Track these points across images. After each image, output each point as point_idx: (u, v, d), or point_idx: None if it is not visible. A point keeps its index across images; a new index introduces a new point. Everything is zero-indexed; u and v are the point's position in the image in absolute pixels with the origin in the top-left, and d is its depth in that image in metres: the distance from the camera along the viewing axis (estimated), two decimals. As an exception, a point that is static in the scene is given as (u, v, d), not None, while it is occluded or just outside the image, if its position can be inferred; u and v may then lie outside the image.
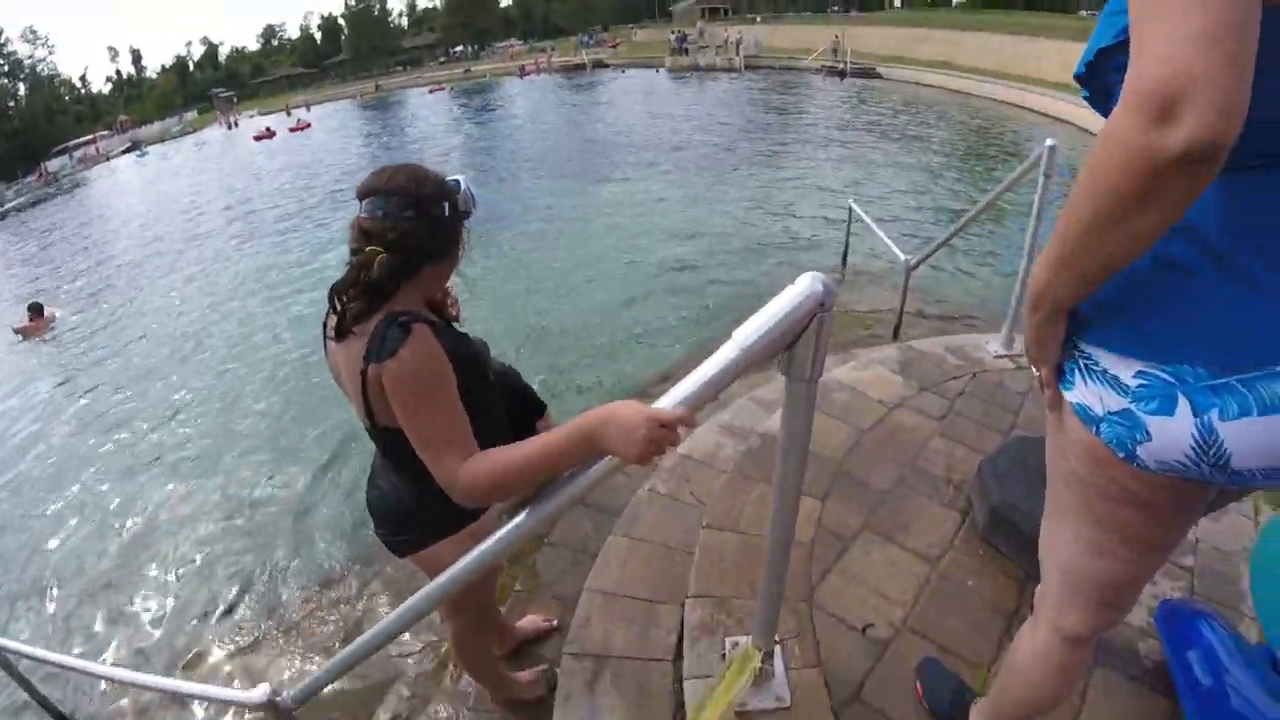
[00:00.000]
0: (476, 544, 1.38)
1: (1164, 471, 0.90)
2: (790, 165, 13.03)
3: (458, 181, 1.52)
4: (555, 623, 2.59)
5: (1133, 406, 0.88)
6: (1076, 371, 0.96)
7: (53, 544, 4.57)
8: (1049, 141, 3.16)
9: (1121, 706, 1.80)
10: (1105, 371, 0.92)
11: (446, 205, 1.46)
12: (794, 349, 0.96)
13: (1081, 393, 0.95)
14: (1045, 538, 1.24)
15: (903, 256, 4.36)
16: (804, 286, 0.93)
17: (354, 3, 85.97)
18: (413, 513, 1.62)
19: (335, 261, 9.84)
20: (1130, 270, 0.82)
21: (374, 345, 1.33)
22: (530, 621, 2.59)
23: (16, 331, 9.69)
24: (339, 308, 1.40)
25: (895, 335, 4.52)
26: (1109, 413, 0.92)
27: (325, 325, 1.49)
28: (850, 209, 5.83)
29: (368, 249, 1.38)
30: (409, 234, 1.39)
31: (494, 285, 8.01)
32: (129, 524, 4.63)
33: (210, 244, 13.18)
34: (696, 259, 8.12)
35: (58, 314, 10.37)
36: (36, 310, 10.12)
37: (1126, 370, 0.89)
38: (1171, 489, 0.96)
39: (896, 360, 3.51)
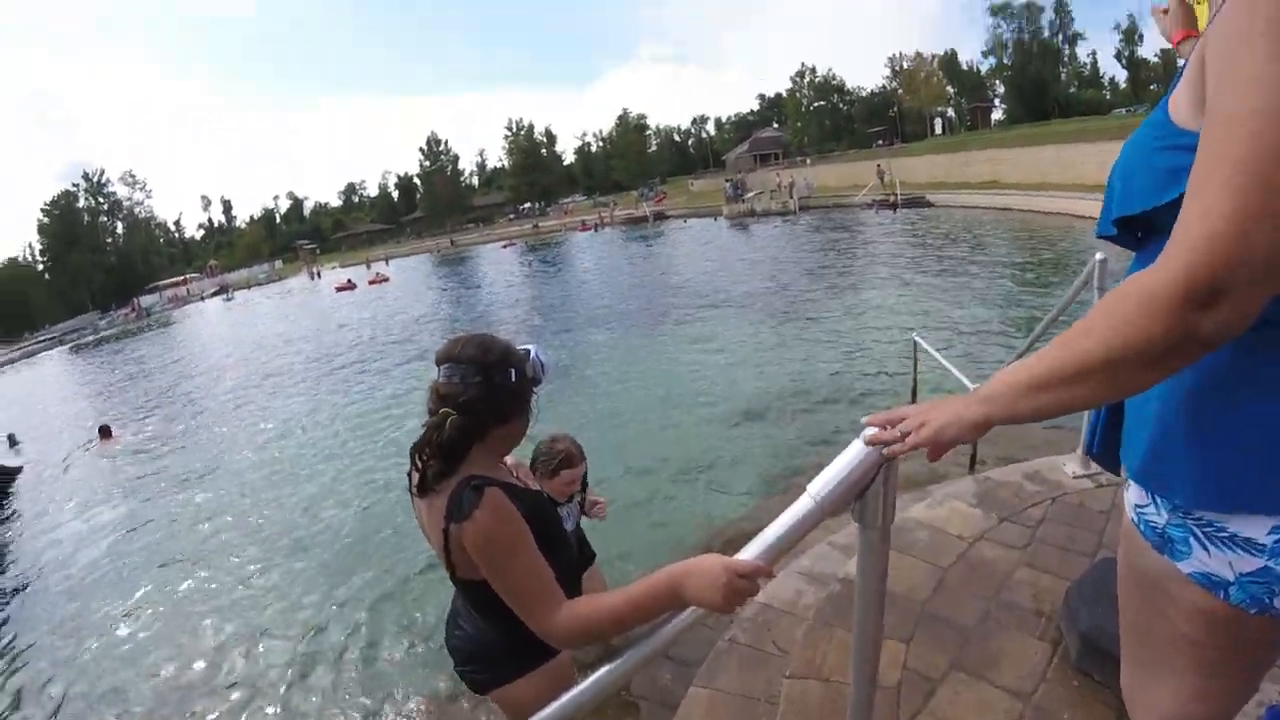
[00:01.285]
0: (553, 679, 1.63)
1: None
2: (852, 303, 13.19)
3: (528, 350, 1.67)
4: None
5: (1270, 563, 0.85)
6: (1193, 540, 0.91)
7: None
8: (1098, 256, 3.24)
9: None
10: (1234, 535, 0.87)
11: (513, 372, 1.60)
12: (864, 497, 1.03)
13: (1203, 561, 0.91)
14: (1138, 691, 1.19)
15: (970, 386, 4.37)
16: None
17: (428, 162, 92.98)
18: (495, 651, 1.72)
19: (400, 411, 10.30)
20: (1257, 426, 0.82)
21: (452, 507, 1.46)
22: None
23: (86, 448, 11.16)
24: (420, 466, 1.55)
25: (971, 467, 4.47)
26: (1242, 575, 0.88)
27: (410, 479, 1.61)
28: (915, 343, 5.88)
29: (441, 410, 1.53)
30: (476, 399, 1.54)
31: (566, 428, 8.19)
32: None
33: (284, 387, 13.98)
34: (765, 405, 8.14)
35: (126, 437, 11.79)
36: (104, 431, 11.72)
37: (1260, 529, 0.85)
38: None
39: (973, 493, 3.47)
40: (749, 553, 1.08)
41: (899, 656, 2.42)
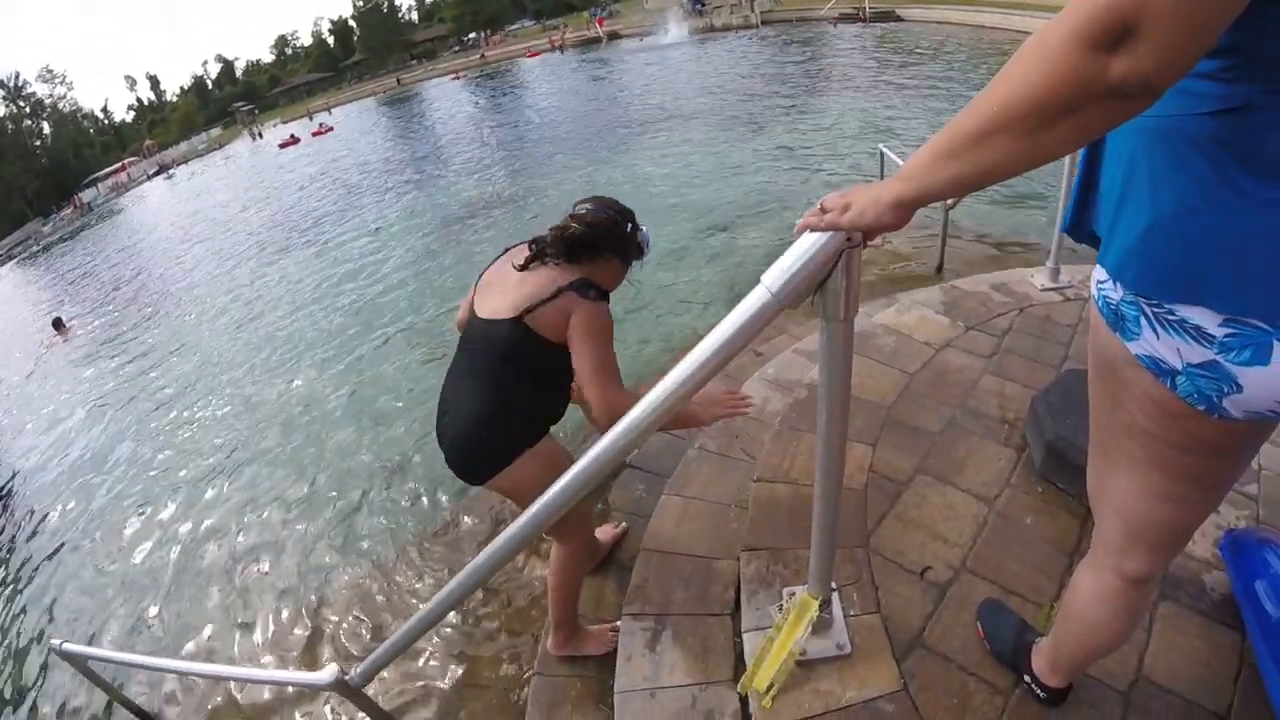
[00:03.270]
0: (549, 459, 1.91)
1: (1250, 419, 0.85)
2: (817, 116, 12.78)
3: (647, 231, 2.17)
4: (625, 526, 2.84)
5: (1220, 358, 0.81)
6: (1143, 320, 0.87)
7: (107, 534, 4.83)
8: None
9: (1187, 641, 1.76)
10: (1184, 321, 0.82)
11: (632, 226, 2.10)
12: (824, 289, 0.94)
13: (1151, 344, 0.87)
14: (1099, 485, 1.18)
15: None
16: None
17: (361, 3, 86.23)
18: (504, 427, 1.91)
19: (364, 270, 10.01)
20: (1218, 219, 0.76)
21: (580, 285, 1.87)
22: (604, 532, 2.79)
23: (47, 347, 11.55)
24: (533, 247, 1.98)
25: (939, 275, 4.45)
26: (1189, 365, 0.84)
27: (496, 261, 2.08)
28: (881, 154, 5.71)
29: (571, 219, 1.99)
30: (604, 224, 2.01)
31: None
32: (172, 515, 4.90)
33: (239, 255, 13.49)
34: (729, 219, 8.05)
35: (78, 329, 12.24)
36: (57, 324, 12.35)
37: (1211, 320, 0.80)
38: (1252, 430, 0.90)
39: (940, 301, 3.45)
40: (703, 349, 0.99)
41: (865, 460, 2.46)
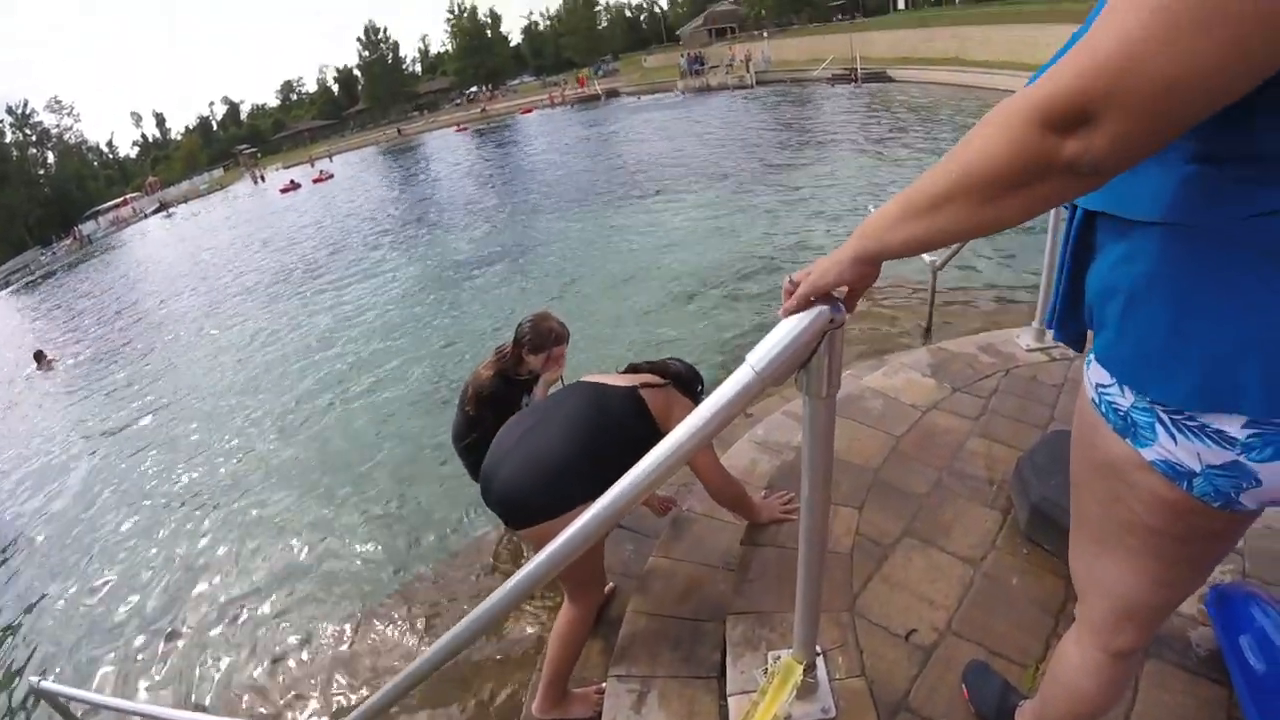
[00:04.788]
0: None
1: (1262, 506, 0.85)
2: (809, 176, 13.08)
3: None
4: (613, 586, 2.88)
5: (1241, 458, 0.80)
6: (1159, 426, 0.85)
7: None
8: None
9: (1175, 698, 1.76)
10: (1205, 426, 0.81)
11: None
12: (808, 367, 0.98)
13: (1168, 450, 0.85)
14: (1086, 569, 1.17)
15: (928, 258, 4.35)
16: (813, 306, 0.96)
17: (367, 53, 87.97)
18: (577, 473, 2.00)
19: (358, 320, 10.04)
20: (1260, 323, 0.74)
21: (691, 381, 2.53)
22: None
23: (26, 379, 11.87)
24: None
25: (926, 337, 4.50)
26: (1209, 467, 0.82)
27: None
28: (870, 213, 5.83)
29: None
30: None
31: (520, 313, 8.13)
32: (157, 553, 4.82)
33: (232, 300, 13.55)
34: (722, 278, 8.18)
35: (64, 360, 12.57)
36: (39, 357, 12.60)
37: (1235, 423, 0.78)
38: (1255, 514, 0.90)
39: (928, 363, 3.49)
40: (691, 424, 1.02)
41: (852, 523, 2.47)
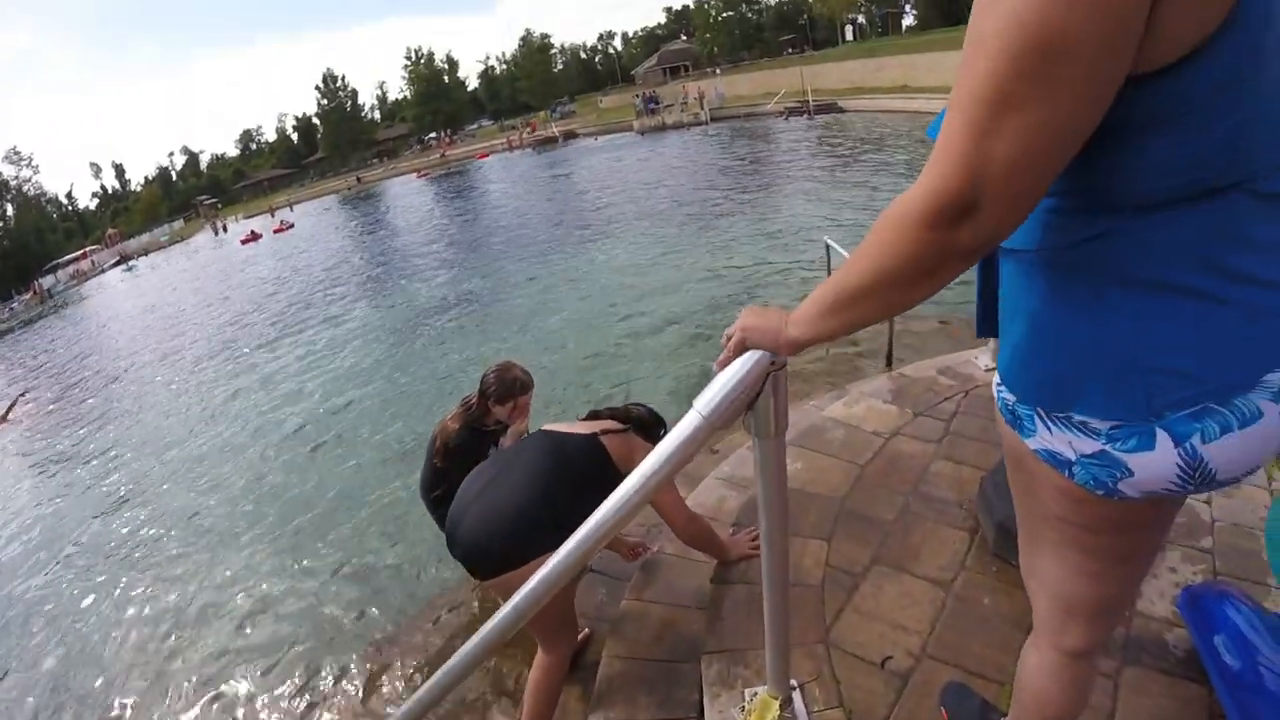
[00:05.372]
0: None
1: (1148, 497, 0.91)
2: (765, 211, 13.24)
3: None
4: (589, 632, 2.86)
5: (1108, 448, 0.88)
6: (1037, 419, 0.95)
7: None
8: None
9: (1155, 701, 1.78)
10: (1071, 418, 0.90)
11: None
12: (754, 409, 1.00)
13: (1046, 439, 0.95)
14: (1028, 567, 1.24)
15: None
16: (755, 351, 0.98)
17: (325, 101, 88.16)
18: (543, 521, 2.01)
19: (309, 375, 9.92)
20: (1094, 332, 0.85)
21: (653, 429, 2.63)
22: None
23: None
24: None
25: (888, 364, 4.56)
26: (1082, 456, 0.91)
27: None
28: (827, 246, 5.91)
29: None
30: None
31: (484, 361, 8.09)
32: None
33: (194, 355, 13.31)
34: (683, 316, 8.22)
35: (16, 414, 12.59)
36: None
37: (1097, 419, 0.88)
38: (1155, 504, 0.96)
39: (889, 390, 3.54)
40: (643, 470, 1.03)
41: (821, 555, 2.48)
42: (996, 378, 1.04)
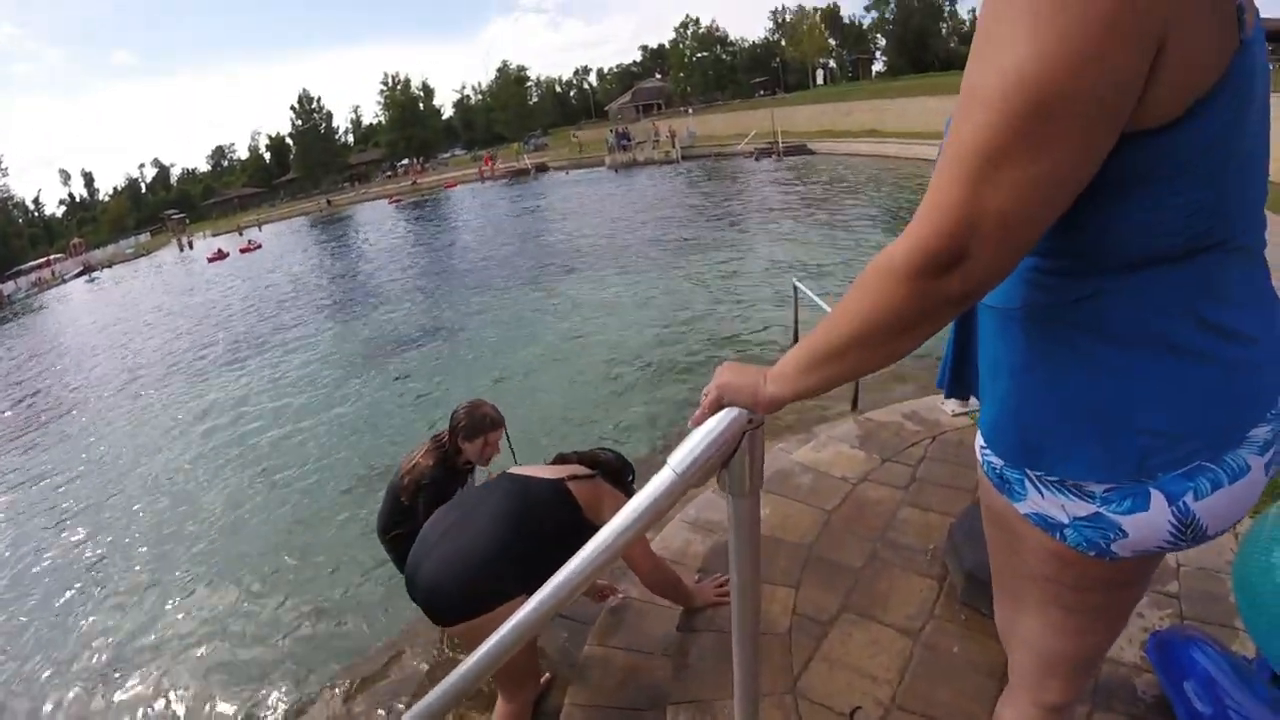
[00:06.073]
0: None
1: (1139, 556, 0.90)
2: (733, 251, 13.32)
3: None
4: (550, 676, 2.75)
5: (1102, 510, 0.87)
6: (1027, 483, 0.94)
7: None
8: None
9: None
10: (1063, 481, 0.89)
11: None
12: (730, 465, 0.97)
13: (1037, 503, 0.93)
14: (1007, 623, 1.23)
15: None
16: (731, 408, 0.96)
17: (300, 121, 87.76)
18: (503, 567, 1.99)
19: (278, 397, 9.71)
20: (1082, 390, 0.85)
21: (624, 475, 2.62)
22: None
23: None
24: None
25: (854, 407, 4.58)
26: (1075, 519, 0.90)
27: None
28: (795, 287, 5.95)
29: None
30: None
31: (456, 393, 7.99)
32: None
33: (152, 375, 12.92)
34: (650, 355, 8.16)
35: None
36: None
37: (1088, 480, 0.87)
38: (1141, 560, 0.95)
39: (856, 435, 3.55)
40: (614, 527, 0.99)
41: (788, 602, 2.46)
42: (980, 440, 1.03)
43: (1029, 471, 0.92)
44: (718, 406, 0.97)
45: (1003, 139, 0.65)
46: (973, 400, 3.61)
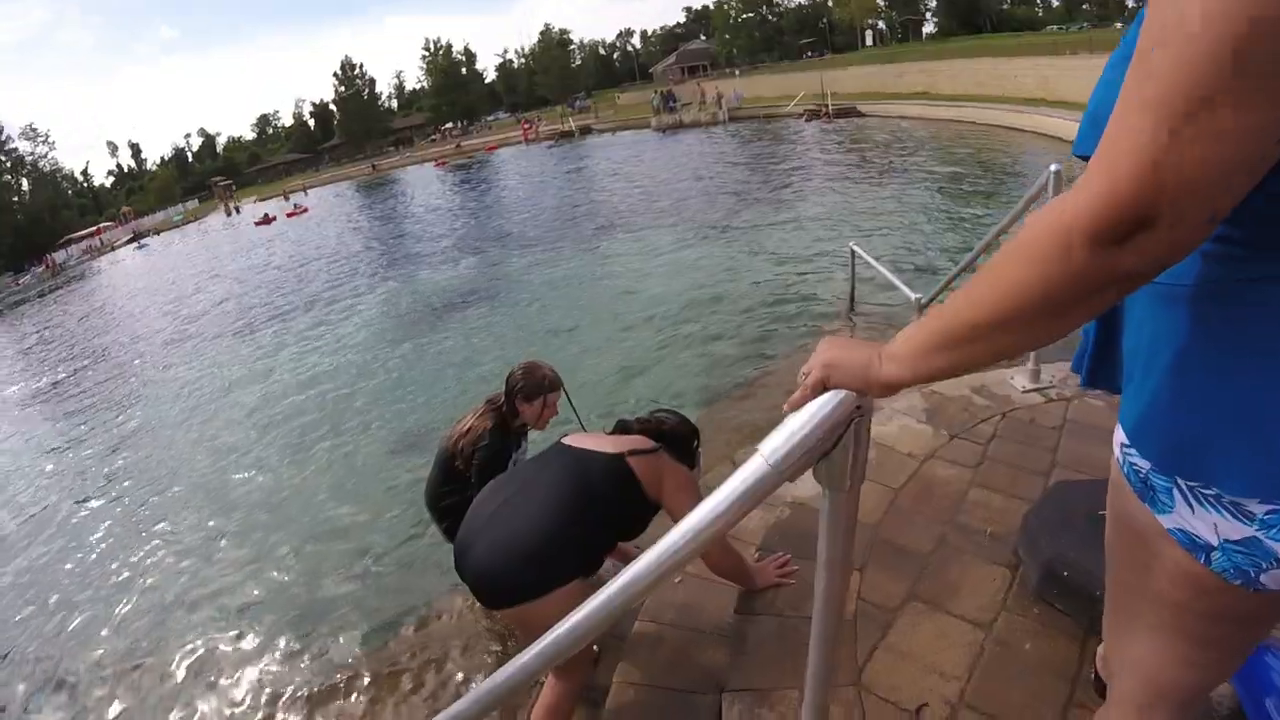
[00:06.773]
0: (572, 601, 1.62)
1: None
2: (786, 211, 13.03)
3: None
4: (597, 650, 2.68)
5: (1260, 534, 0.74)
6: (1176, 493, 0.81)
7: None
8: (1053, 166, 3.05)
9: None
10: (1221, 496, 0.76)
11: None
12: (830, 457, 0.84)
13: (1185, 519, 0.81)
14: (1119, 645, 1.10)
15: (912, 296, 4.26)
16: (838, 390, 0.82)
17: (343, 88, 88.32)
18: (560, 549, 1.91)
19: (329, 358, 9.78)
20: (1256, 390, 0.71)
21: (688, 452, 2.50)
22: None
23: None
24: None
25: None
26: (1226, 541, 0.78)
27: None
28: (853, 251, 5.74)
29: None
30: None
31: (504, 354, 7.97)
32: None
33: (207, 337, 13.16)
34: (703, 316, 8.02)
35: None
36: None
37: (1252, 498, 0.75)
38: None
39: (922, 408, 3.38)
40: (692, 523, 0.88)
41: (854, 586, 2.32)
42: (1123, 437, 0.88)
43: (1180, 480, 0.79)
44: (821, 389, 0.83)
45: (1219, 79, 0.52)
46: (1043, 375, 3.42)
